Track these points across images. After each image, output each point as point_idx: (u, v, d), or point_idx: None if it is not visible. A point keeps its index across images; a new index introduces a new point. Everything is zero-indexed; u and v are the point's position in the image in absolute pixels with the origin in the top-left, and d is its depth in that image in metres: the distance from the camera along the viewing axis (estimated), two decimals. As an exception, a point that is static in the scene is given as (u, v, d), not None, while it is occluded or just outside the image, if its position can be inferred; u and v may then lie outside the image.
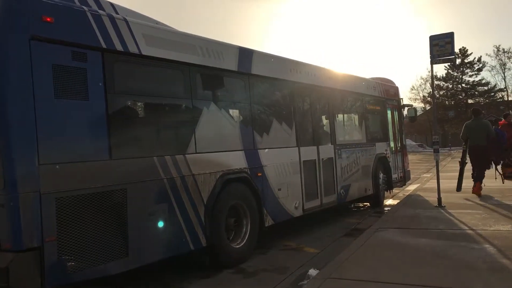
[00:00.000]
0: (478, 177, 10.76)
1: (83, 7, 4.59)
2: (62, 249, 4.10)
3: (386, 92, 11.81)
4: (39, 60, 4.04)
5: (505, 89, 54.16)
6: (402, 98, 12.99)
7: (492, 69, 72.06)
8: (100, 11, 4.74)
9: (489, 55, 61.95)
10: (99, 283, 4.74)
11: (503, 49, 54.87)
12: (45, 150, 4.04)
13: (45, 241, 3.97)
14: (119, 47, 4.77)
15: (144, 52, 5.06)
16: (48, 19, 4.11)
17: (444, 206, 9.19)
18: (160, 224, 5.12)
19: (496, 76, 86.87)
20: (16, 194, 3.87)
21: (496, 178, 11.74)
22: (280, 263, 6.33)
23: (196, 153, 5.70)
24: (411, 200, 10.59)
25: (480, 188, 10.64)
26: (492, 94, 55.27)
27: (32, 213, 3.93)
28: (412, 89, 69.51)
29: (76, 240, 4.22)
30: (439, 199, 9.38)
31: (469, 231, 6.86)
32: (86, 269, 4.30)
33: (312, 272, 5.49)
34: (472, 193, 10.65)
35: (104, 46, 4.60)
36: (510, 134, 11.11)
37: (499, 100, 53.19)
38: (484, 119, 11.60)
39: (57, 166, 4.14)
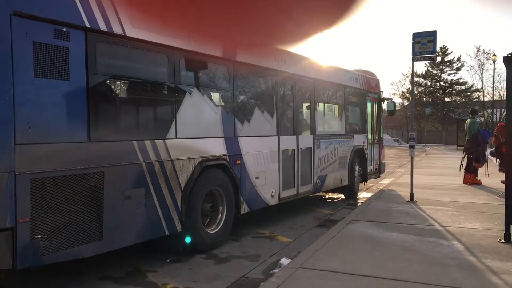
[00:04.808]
0: (467, 169, 12.68)
1: None
2: (35, 231, 4.04)
3: (367, 84, 11.92)
4: (20, 36, 3.91)
5: (481, 90, 55.28)
6: (382, 91, 13.12)
7: (470, 69, 73.53)
8: None
9: (468, 55, 62.96)
10: (67, 265, 4.73)
11: (483, 50, 55.88)
12: (22, 129, 3.94)
13: (18, 222, 3.91)
14: (103, 27, 4.66)
15: (128, 34, 4.95)
16: None
17: (416, 201, 9.43)
18: (136, 208, 5.10)
19: (473, 76, 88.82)
20: None
21: (486, 174, 12.94)
22: (253, 250, 6.40)
23: (176, 138, 5.67)
24: (384, 194, 10.81)
25: (470, 180, 12.46)
26: (469, 93, 56.26)
27: (6, 194, 3.84)
28: (392, 84, 70.39)
29: (50, 222, 4.16)
30: (412, 194, 9.61)
31: (439, 227, 7.07)
32: (59, 251, 4.26)
33: (284, 261, 5.55)
34: (463, 183, 12.52)
35: (87, 25, 4.48)
36: (504, 134, 11.76)
37: (475, 100, 54.14)
38: (473, 118, 13.07)
39: (34, 147, 4.06)
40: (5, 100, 3.85)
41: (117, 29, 4.83)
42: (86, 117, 4.50)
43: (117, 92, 5.29)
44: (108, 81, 4.98)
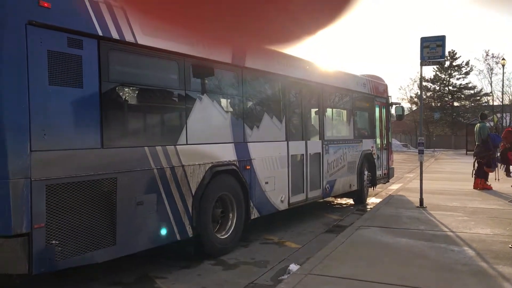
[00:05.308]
0: (477, 174, 12.61)
1: None
2: (50, 236, 4.10)
3: (375, 89, 11.91)
4: (35, 45, 3.99)
5: (491, 94, 54.84)
6: (390, 96, 13.11)
7: (479, 73, 73.20)
8: None
9: (477, 59, 62.45)
10: (77, 270, 4.78)
11: (492, 54, 55.34)
12: (37, 136, 4.02)
13: (33, 227, 3.97)
14: (115, 35, 4.73)
15: (140, 41, 5.03)
16: (46, 5, 4.06)
17: (426, 207, 9.38)
18: (148, 213, 5.15)
19: (482, 80, 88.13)
20: (7, 180, 3.85)
21: (497, 179, 12.67)
22: (261, 256, 6.39)
23: (187, 144, 5.72)
24: (394, 200, 10.76)
25: (480, 185, 12.41)
26: (478, 98, 55.80)
27: (21, 200, 3.91)
28: (400, 89, 70.29)
29: (65, 228, 4.22)
30: (421, 199, 9.56)
31: (449, 233, 7.03)
32: (74, 256, 4.31)
33: (293, 267, 5.53)
34: (473, 188, 12.46)
35: (100, 33, 4.56)
36: (509, 140, 11.64)
37: (484, 104, 53.72)
38: (483, 122, 13.10)
39: (49, 153, 4.13)
40: (21, 107, 3.93)
41: (128, 37, 4.90)
42: (99, 123, 4.57)
43: (129, 99, 5.36)
44: (120, 88, 5.05)
